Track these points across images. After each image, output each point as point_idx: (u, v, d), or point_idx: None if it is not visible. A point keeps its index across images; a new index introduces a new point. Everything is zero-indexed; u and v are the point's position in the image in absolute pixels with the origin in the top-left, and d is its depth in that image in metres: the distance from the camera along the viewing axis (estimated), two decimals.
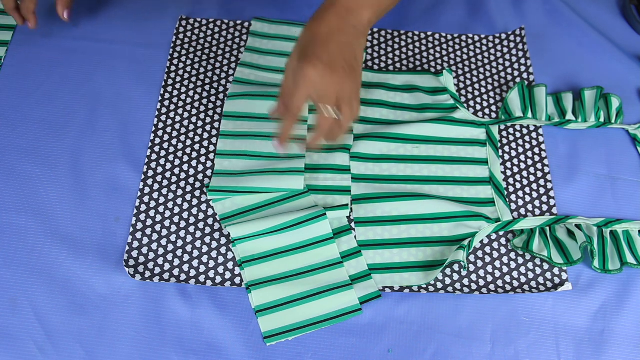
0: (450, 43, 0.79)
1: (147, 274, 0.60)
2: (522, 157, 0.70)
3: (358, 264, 0.61)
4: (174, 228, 0.63)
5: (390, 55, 0.77)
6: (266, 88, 0.72)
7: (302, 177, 0.64)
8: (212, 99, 0.72)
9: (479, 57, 0.78)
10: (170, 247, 0.62)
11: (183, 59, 0.75)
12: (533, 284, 0.62)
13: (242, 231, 0.61)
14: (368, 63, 0.76)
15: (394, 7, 0.76)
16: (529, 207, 0.66)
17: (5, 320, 0.57)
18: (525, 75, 0.76)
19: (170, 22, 0.78)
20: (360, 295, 0.59)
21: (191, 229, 0.63)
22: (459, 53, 0.78)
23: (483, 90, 0.75)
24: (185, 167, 0.67)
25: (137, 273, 0.60)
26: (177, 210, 0.64)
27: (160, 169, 0.67)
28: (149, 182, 0.66)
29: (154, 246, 0.62)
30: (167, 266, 0.61)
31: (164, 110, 0.71)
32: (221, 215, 0.64)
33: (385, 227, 0.64)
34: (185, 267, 0.61)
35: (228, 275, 0.61)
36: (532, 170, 0.69)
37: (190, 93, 0.73)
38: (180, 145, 0.69)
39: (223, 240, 0.63)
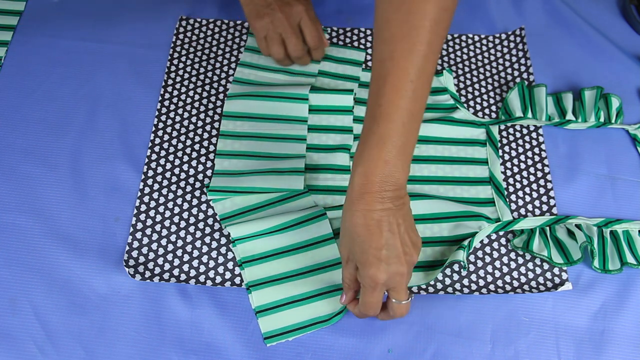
0: (450, 43, 0.79)
1: (147, 274, 0.60)
2: (522, 157, 0.70)
3: None
4: (174, 228, 0.63)
5: None
6: (266, 88, 0.72)
7: (302, 176, 0.64)
8: (212, 99, 0.72)
9: (479, 57, 0.78)
10: (170, 247, 0.62)
11: (183, 59, 0.75)
12: (533, 284, 0.62)
13: (242, 231, 0.61)
14: (368, 63, 0.76)
15: None
16: (529, 207, 0.66)
17: (5, 320, 0.57)
18: (525, 75, 0.76)
19: (170, 22, 0.79)
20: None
21: (191, 229, 0.63)
22: (459, 53, 0.78)
23: (483, 90, 0.75)
24: (185, 167, 0.67)
25: (137, 273, 0.60)
26: (177, 210, 0.64)
27: (160, 169, 0.67)
28: (149, 182, 0.66)
29: (154, 246, 0.62)
30: (167, 266, 0.61)
31: (164, 110, 0.71)
32: (221, 216, 0.64)
33: None
34: (185, 267, 0.61)
35: (228, 275, 0.61)
36: (532, 170, 0.69)
37: (190, 93, 0.73)
38: (180, 145, 0.69)
39: (223, 240, 0.63)
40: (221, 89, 0.73)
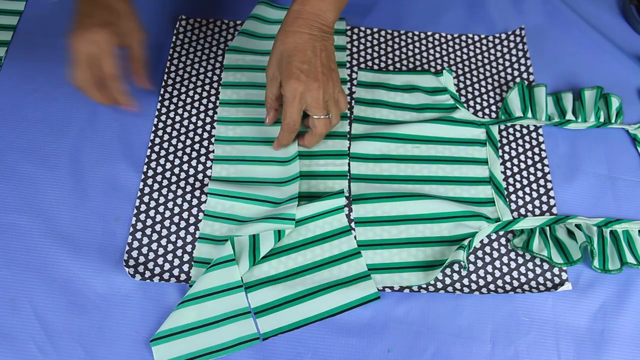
0: (450, 43, 0.79)
1: (147, 274, 0.60)
2: (522, 157, 0.70)
3: (358, 264, 0.61)
4: (174, 228, 0.63)
5: (390, 55, 0.77)
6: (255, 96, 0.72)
7: (297, 183, 0.64)
8: (212, 98, 0.72)
9: (479, 57, 0.78)
10: (170, 247, 0.62)
11: (183, 59, 0.75)
12: (533, 283, 0.62)
13: (218, 187, 0.64)
14: (368, 63, 0.76)
15: (394, 7, 0.76)
16: (529, 207, 0.66)
17: (5, 320, 0.57)
18: (525, 75, 0.76)
19: (170, 22, 0.79)
20: (359, 297, 0.59)
21: (191, 229, 0.63)
22: (459, 53, 0.78)
23: (483, 90, 0.75)
24: (185, 167, 0.67)
25: (137, 273, 0.60)
26: (177, 210, 0.64)
27: (160, 169, 0.67)
28: (149, 182, 0.66)
29: (154, 246, 0.62)
30: (167, 266, 0.61)
31: (163, 110, 0.71)
32: (208, 212, 0.64)
33: (385, 227, 0.64)
34: (185, 267, 0.61)
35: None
36: (532, 170, 0.69)
37: (190, 93, 0.73)
38: (180, 145, 0.69)
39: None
40: (221, 89, 0.73)
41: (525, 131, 0.72)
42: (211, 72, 0.74)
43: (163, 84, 0.73)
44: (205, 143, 0.69)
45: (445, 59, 0.77)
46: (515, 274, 0.62)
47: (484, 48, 0.79)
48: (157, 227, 0.63)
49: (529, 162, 0.70)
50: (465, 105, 0.73)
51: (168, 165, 0.67)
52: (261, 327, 0.58)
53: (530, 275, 0.62)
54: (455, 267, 0.62)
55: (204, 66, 0.75)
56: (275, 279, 0.60)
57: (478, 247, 0.63)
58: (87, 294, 0.59)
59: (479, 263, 0.63)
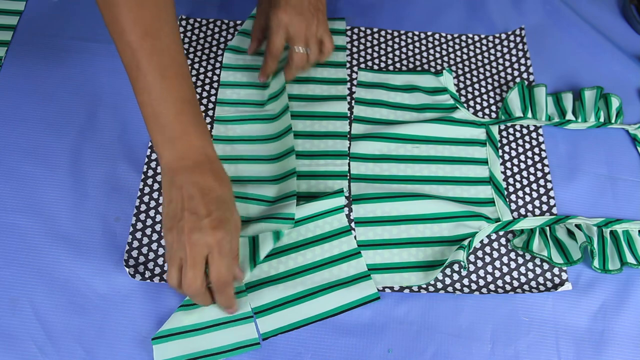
0: (450, 43, 0.79)
1: (147, 274, 0.60)
2: (522, 157, 0.70)
3: (358, 264, 0.61)
4: None
5: (390, 55, 0.77)
6: (253, 110, 0.71)
7: (294, 179, 0.64)
8: (212, 98, 0.72)
9: (479, 57, 0.78)
10: None
11: None
12: (533, 284, 0.62)
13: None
14: (368, 63, 0.76)
15: (394, 7, 0.76)
16: (529, 207, 0.66)
17: (5, 320, 0.57)
18: (525, 75, 0.76)
19: None
20: (359, 297, 0.59)
21: None
22: (459, 53, 0.78)
23: (483, 90, 0.75)
24: None
25: (137, 273, 0.60)
26: None
27: (160, 169, 0.67)
28: (149, 182, 0.66)
29: (154, 246, 0.62)
30: (167, 266, 0.61)
31: None
32: None
33: (385, 227, 0.64)
34: None
35: None
36: (532, 170, 0.69)
37: None
38: None
39: None
40: None
41: (525, 131, 0.72)
42: (211, 72, 0.74)
43: None
44: None
45: (445, 59, 0.77)
46: (515, 274, 0.62)
47: (484, 48, 0.79)
48: (157, 227, 0.63)
49: (529, 162, 0.70)
50: (465, 105, 0.73)
51: None
52: (261, 327, 0.58)
53: (530, 275, 0.62)
54: (455, 267, 0.62)
55: (204, 66, 0.75)
56: (276, 279, 0.60)
57: (478, 247, 0.64)
58: (87, 294, 0.59)
59: (479, 263, 0.63)
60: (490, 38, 0.80)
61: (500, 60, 0.78)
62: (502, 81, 0.76)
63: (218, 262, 0.51)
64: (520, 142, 0.71)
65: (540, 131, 0.72)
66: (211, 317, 0.57)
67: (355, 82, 0.74)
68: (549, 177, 0.69)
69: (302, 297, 0.59)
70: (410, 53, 0.78)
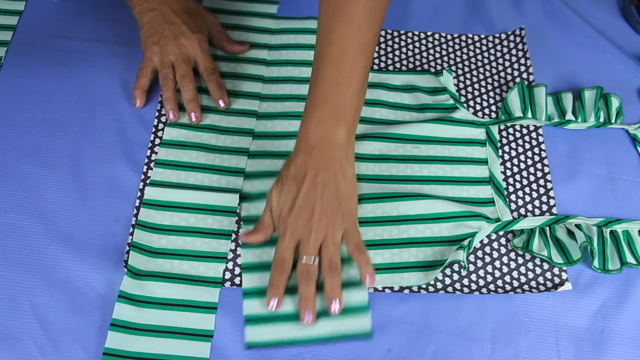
0: (450, 43, 0.79)
1: None
2: (522, 157, 0.70)
3: (360, 295, 0.59)
4: None
5: (390, 55, 0.77)
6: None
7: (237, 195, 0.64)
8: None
9: (479, 57, 0.78)
10: None
11: None
12: (533, 284, 0.62)
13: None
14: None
15: (394, 7, 0.76)
16: (529, 207, 0.66)
17: (5, 320, 0.57)
18: (525, 75, 0.77)
19: None
20: (351, 330, 0.57)
21: None
22: (459, 53, 0.78)
23: (483, 90, 0.75)
24: None
25: None
26: None
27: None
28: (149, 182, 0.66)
29: None
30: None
31: (164, 111, 0.71)
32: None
33: (385, 227, 0.64)
34: None
35: (228, 275, 0.61)
36: (532, 170, 0.69)
37: None
38: None
39: None
40: None
41: (525, 131, 0.72)
42: None
43: None
44: None
45: (445, 59, 0.77)
46: (515, 274, 0.62)
47: (484, 48, 0.79)
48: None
49: (529, 162, 0.70)
50: (465, 105, 0.73)
51: None
52: (248, 336, 0.57)
53: (530, 275, 0.62)
54: (455, 267, 0.62)
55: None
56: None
57: (478, 247, 0.64)
58: (87, 294, 0.59)
59: (479, 263, 0.63)
60: (490, 38, 0.80)
61: (500, 60, 0.78)
62: (502, 81, 0.76)
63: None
64: (520, 142, 0.71)
65: (540, 131, 0.72)
66: (172, 323, 0.57)
67: None
68: (548, 177, 0.69)
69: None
70: (410, 53, 0.78)
